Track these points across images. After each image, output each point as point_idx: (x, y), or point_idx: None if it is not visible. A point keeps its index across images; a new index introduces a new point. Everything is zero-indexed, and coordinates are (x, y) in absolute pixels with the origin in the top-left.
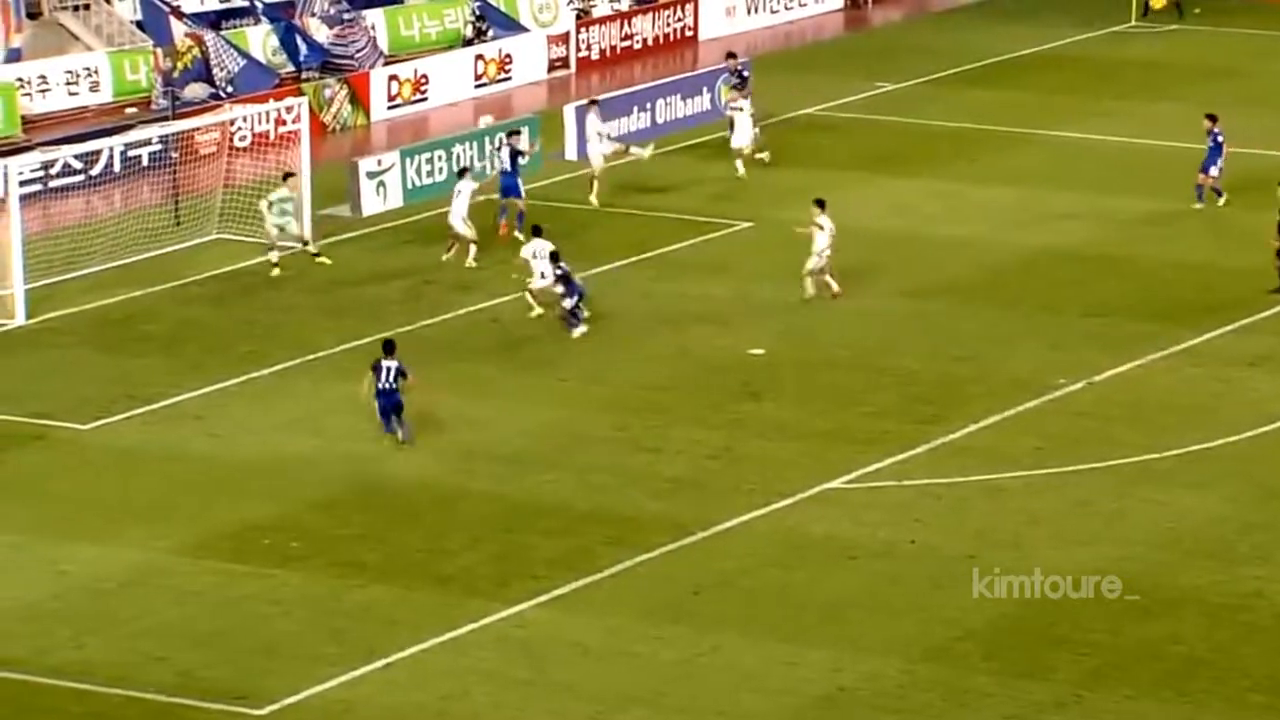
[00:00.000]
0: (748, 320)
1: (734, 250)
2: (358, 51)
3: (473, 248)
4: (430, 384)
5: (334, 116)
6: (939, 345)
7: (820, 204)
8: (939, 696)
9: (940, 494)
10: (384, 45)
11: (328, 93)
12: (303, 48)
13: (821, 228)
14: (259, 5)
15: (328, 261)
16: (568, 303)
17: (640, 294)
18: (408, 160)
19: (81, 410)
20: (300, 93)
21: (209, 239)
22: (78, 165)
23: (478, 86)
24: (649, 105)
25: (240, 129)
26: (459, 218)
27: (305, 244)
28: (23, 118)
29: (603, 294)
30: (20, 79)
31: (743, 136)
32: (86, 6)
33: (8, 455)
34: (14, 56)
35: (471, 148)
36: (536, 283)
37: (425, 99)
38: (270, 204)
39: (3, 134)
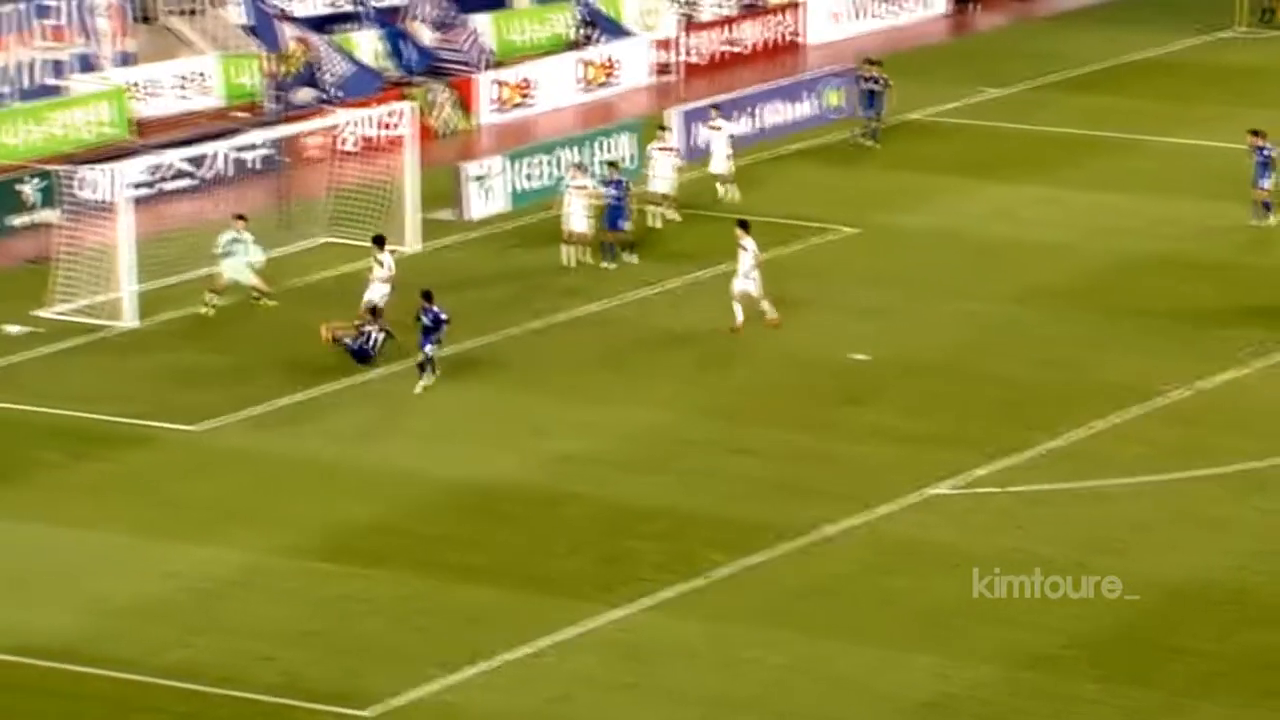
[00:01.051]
0: (850, 325)
1: (837, 255)
2: (466, 53)
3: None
4: None
5: (440, 121)
6: (1042, 350)
7: (743, 225)
8: (1044, 704)
9: (1044, 500)
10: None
11: (433, 97)
12: (409, 52)
13: (745, 249)
14: (366, 10)
15: (272, 303)
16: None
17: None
18: (513, 164)
19: (190, 412)
20: (406, 97)
21: (316, 242)
22: (187, 168)
23: (583, 91)
24: (753, 110)
25: (348, 133)
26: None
27: (256, 296)
28: (134, 121)
29: (705, 298)
30: (132, 83)
31: (719, 162)
32: (197, 11)
33: (118, 455)
34: (126, 60)
35: (576, 151)
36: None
37: (531, 103)
38: (219, 246)
39: (114, 137)
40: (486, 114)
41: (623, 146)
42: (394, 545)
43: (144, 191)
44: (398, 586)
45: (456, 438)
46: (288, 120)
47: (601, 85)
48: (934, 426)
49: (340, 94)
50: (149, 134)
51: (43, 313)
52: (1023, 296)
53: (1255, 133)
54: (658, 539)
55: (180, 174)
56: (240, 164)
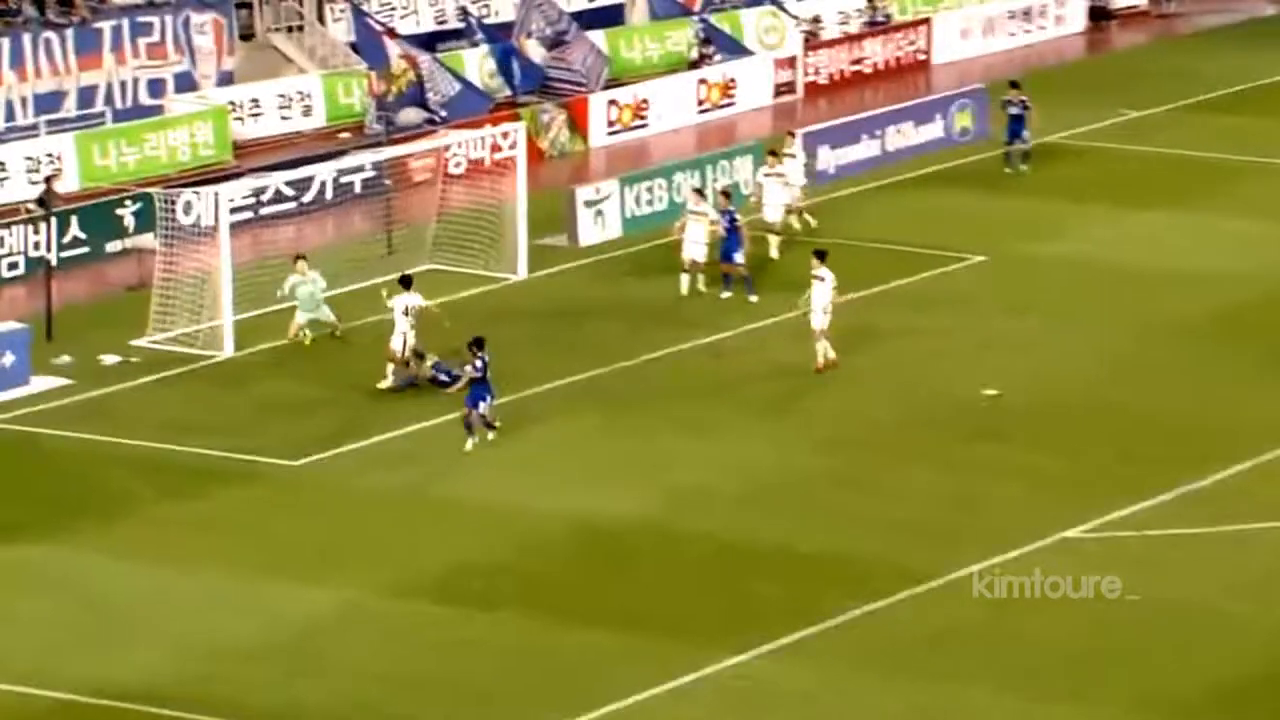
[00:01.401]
0: (981, 358)
1: (967, 285)
2: (582, 71)
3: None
4: None
5: (551, 142)
6: (1182, 386)
7: (820, 255)
8: None
9: (1182, 544)
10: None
11: (545, 117)
12: (519, 70)
13: (822, 279)
14: (475, 26)
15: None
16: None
17: (869, 330)
18: (627, 189)
19: (292, 446)
20: (517, 117)
21: (422, 269)
22: (289, 192)
23: (700, 112)
24: (879, 133)
25: (455, 155)
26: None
27: (334, 333)
28: (234, 143)
29: (829, 329)
30: (232, 102)
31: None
32: (300, 28)
33: (217, 491)
34: (226, 79)
35: (693, 175)
36: (394, 341)
37: (646, 124)
38: (284, 290)
39: (214, 159)
40: (600, 136)
41: (742, 170)
42: (505, 585)
43: (243, 216)
44: (508, 630)
45: (569, 472)
46: (393, 142)
47: (720, 106)
48: (1067, 466)
49: (447, 114)
50: (249, 156)
51: (139, 341)
52: (1162, 329)
53: None
54: (778, 581)
55: (280, 198)
56: (343, 187)
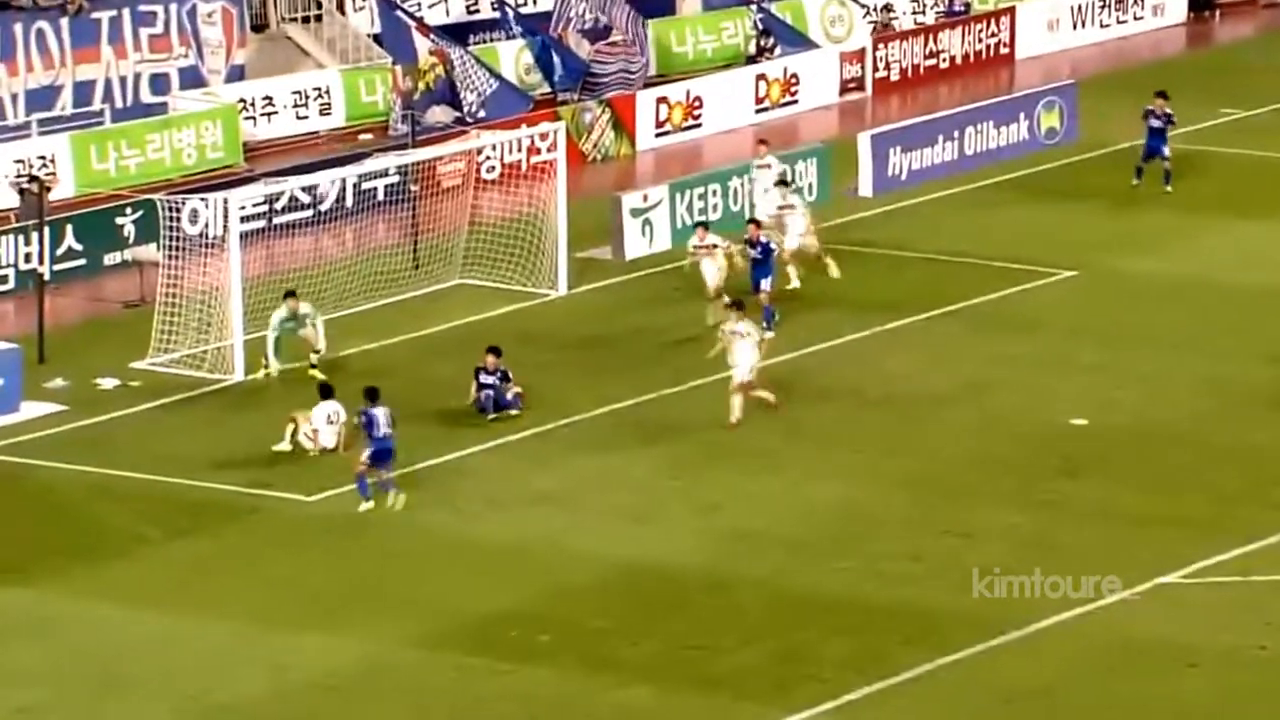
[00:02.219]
0: (1068, 385)
1: (1053, 303)
2: (628, 68)
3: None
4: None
5: (594, 145)
6: None
7: (738, 306)
8: None
9: None
10: (652, 63)
11: (588, 117)
12: (559, 65)
13: (745, 335)
14: (511, 16)
15: (319, 376)
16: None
17: (942, 353)
18: (678, 195)
19: (305, 479)
20: (556, 117)
21: (451, 284)
22: (305, 199)
23: (759, 111)
24: (956, 134)
25: (489, 159)
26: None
27: (315, 353)
28: (245, 144)
29: (900, 352)
30: (243, 100)
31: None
32: (318, 18)
33: (224, 530)
34: (236, 75)
35: (750, 181)
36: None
37: (699, 125)
38: (275, 330)
39: (223, 163)
40: (648, 137)
41: (806, 174)
42: (538, 635)
43: (255, 225)
44: (543, 683)
45: (611, 511)
46: (420, 144)
47: (780, 104)
48: (1165, 505)
49: (480, 114)
50: (261, 159)
51: (139, 364)
52: (1270, 354)
53: None
54: (842, 632)
55: (296, 205)
56: (364, 194)
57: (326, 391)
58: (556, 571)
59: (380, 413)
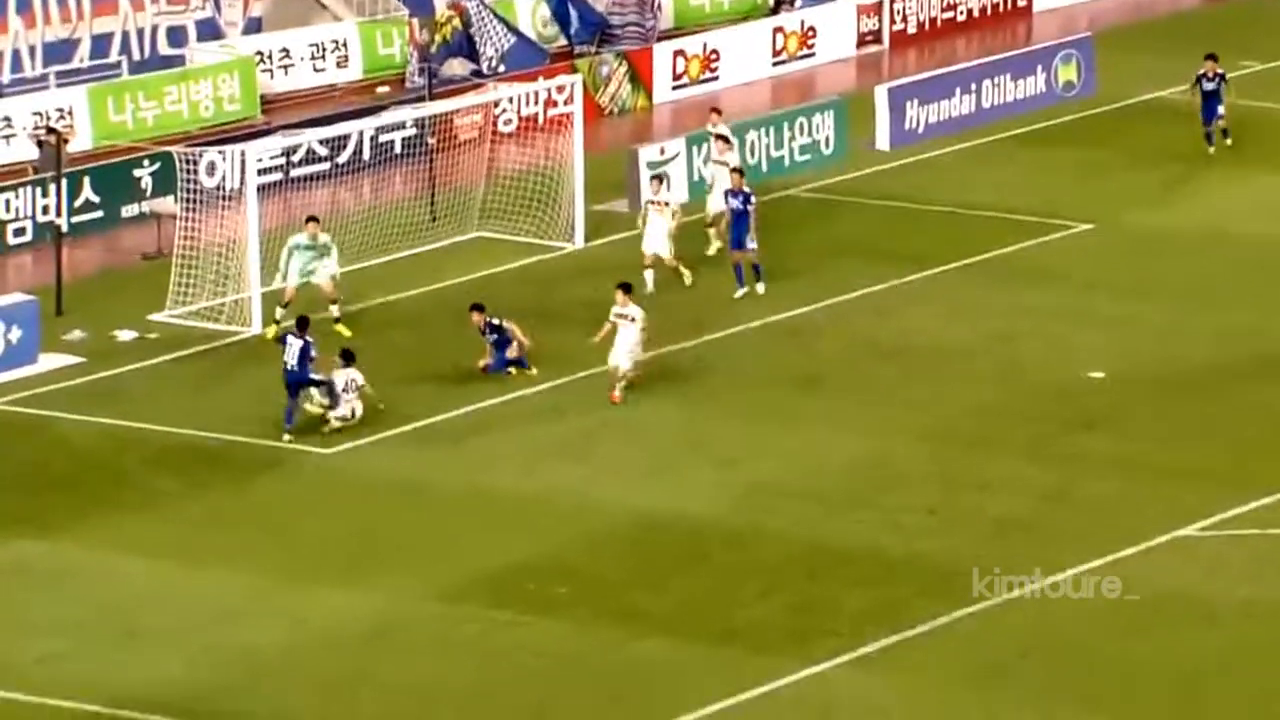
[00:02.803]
0: (1086, 338)
1: (1071, 256)
2: (640, 23)
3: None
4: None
5: (611, 98)
6: None
7: (625, 289)
8: None
9: None
10: (669, 16)
11: (604, 70)
12: (575, 18)
13: (631, 320)
14: None
15: (346, 332)
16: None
17: (961, 306)
18: (695, 149)
19: (324, 432)
20: (573, 70)
21: (469, 237)
22: (322, 152)
23: (775, 64)
24: (973, 87)
25: (505, 111)
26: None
27: (333, 303)
28: (262, 97)
29: (917, 305)
30: (260, 53)
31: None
32: None
33: (242, 484)
34: (253, 27)
35: (768, 134)
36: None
37: (715, 77)
38: (290, 251)
39: (240, 115)
40: (665, 90)
41: (823, 128)
42: (556, 588)
43: (272, 177)
44: (562, 636)
45: (628, 464)
46: (437, 97)
47: (798, 57)
48: (1182, 458)
49: (498, 67)
50: (278, 112)
51: (157, 316)
52: None
53: None
54: (861, 585)
55: (313, 157)
56: (381, 147)
57: (348, 357)
58: (574, 524)
59: (293, 342)
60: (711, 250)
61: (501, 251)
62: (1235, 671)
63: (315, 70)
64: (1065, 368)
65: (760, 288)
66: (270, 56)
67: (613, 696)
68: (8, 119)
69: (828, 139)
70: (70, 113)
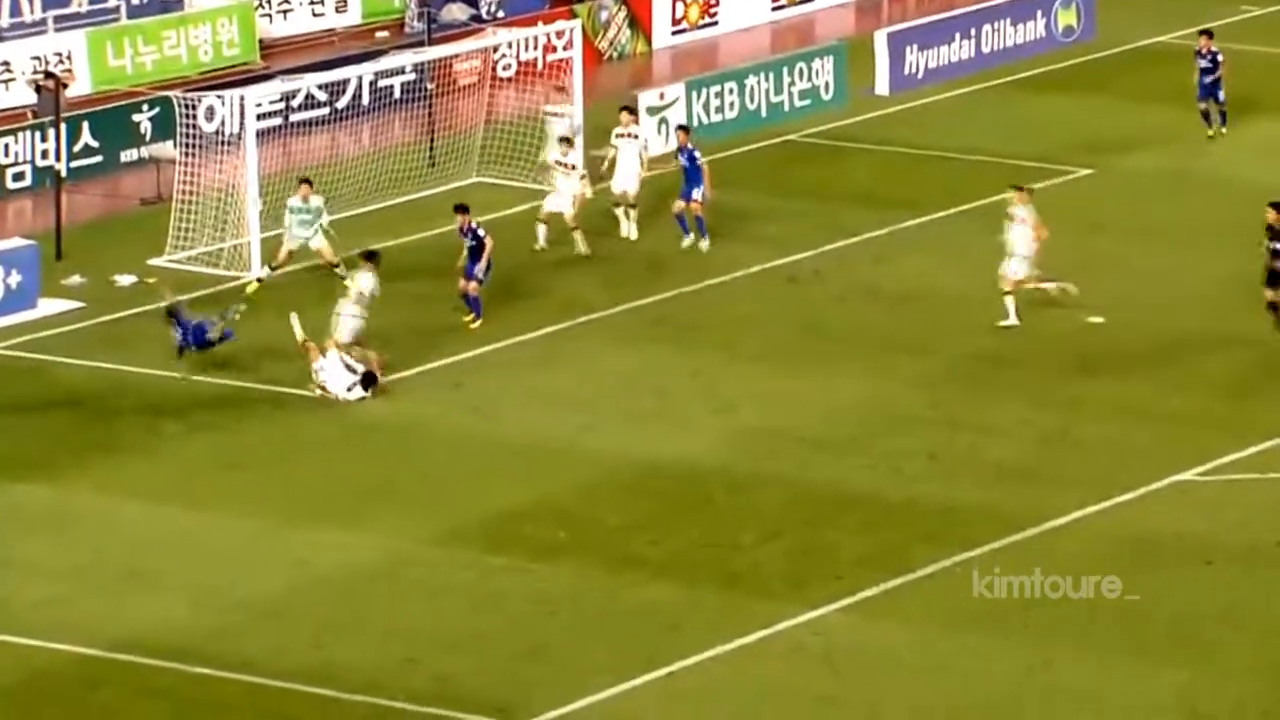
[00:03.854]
0: (1086, 282)
1: (1070, 201)
2: None
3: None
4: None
5: (610, 42)
6: None
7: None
8: None
9: None
10: None
11: (604, 15)
12: None
13: (634, 137)
14: None
15: (349, 283)
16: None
17: (960, 251)
18: (694, 94)
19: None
20: (572, 15)
21: (468, 182)
22: (321, 97)
23: (775, 9)
24: (973, 32)
25: (505, 57)
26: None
27: (335, 266)
28: (261, 42)
29: (917, 251)
30: None
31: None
32: None
33: (242, 427)
34: None
35: (767, 79)
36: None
37: (715, 23)
38: (291, 210)
39: (239, 60)
40: (664, 35)
41: (822, 73)
42: (555, 533)
43: (272, 123)
44: (561, 581)
45: (630, 410)
46: (436, 42)
47: (797, 2)
48: (1182, 402)
49: (497, 12)
50: (277, 56)
51: (157, 261)
52: None
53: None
54: (861, 529)
55: (312, 102)
56: (381, 91)
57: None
58: (575, 469)
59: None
60: (632, 234)
61: (501, 197)
62: (1234, 615)
63: (314, 15)
64: (1064, 313)
65: (704, 244)
66: (269, 1)
67: (611, 642)
68: (6, 64)
69: (827, 84)
70: (69, 57)
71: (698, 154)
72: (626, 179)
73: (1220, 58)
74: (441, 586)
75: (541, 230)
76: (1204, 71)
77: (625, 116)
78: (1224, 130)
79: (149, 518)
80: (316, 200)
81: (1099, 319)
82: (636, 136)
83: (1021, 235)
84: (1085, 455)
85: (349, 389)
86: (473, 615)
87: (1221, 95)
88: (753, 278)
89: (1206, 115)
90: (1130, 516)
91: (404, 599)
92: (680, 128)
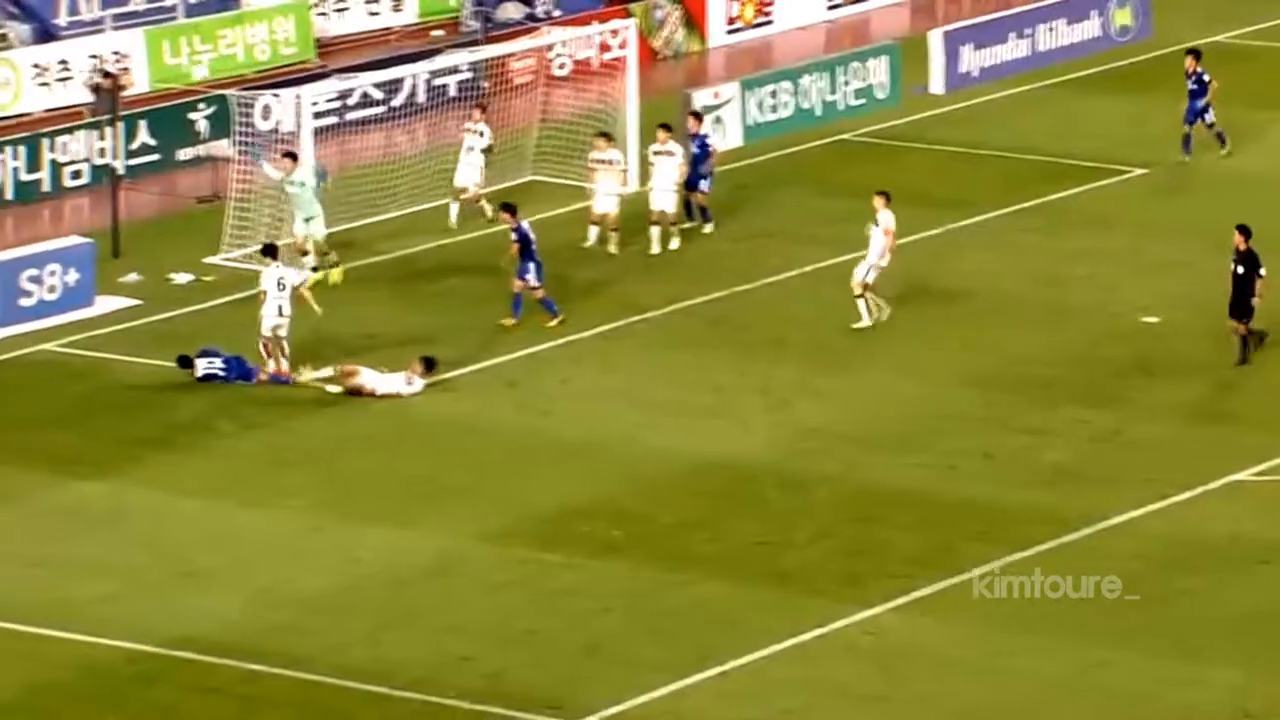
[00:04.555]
0: (1141, 282)
1: (1125, 200)
2: None
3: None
4: None
5: (665, 42)
6: None
7: (666, 127)
8: None
9: None
10: None
11: (659, 14)
12: None
13: (670, 154)
14: None
15: (336, 277)
16: None
17: (1014, 250)
18: (749, 93)
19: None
20: (628, 14)
21: (522, 181)
22: (377, 95)
23: (831, 8)
24: (1029, 31)
25: (559, 56)
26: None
27: (304, 254)
28: (317, 41)
29: (971, 250)
30: None
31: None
32: None
33: (297, 425)
34: None
35: (821, 78)
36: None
37: (770, 22)
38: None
39: (295, 59)
40: (719, 34)
41: (877, 72)
42: (610, 530)
43: (328, 121)
44: (615, 578)
45: (682, 408)
46: (491, 40)
47: (853, 1)
48: (1238, 402)
49: (553, 11)
50: (333, 55)
51: (213, 259)
52: None
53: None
54: (914, 528)
55: (368, 101)
56: (436, 90)
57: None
58: (628, 467)
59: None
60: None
61: (555, 195)
62: None
63: (370, 14)
64: (1119, 312)
65: (708, 228)
66: (326, 0)
67: (664, 640)
68: (65, 62)
69: (882, 83)
70: (127, 56)
71: (710, 141)
72: (663, 197)
73: (1207, 78)
74: (495, 584)
75: (593, 231)
76: (1193, 95)
77: (662, 134)
78: (1225, 150)
79: (204, 515)
80: (301, 174)
81: (1154, 319)
82: (673, 154)
83: (877, 238)
84: (1139, 455)
85: (408, 383)
86: (527, 612)
87: (1210, 117)
88: (806, 277)
89: (1187, 140)
90: (1185, 517)
91: (458, 596)
92: (693, 113)
